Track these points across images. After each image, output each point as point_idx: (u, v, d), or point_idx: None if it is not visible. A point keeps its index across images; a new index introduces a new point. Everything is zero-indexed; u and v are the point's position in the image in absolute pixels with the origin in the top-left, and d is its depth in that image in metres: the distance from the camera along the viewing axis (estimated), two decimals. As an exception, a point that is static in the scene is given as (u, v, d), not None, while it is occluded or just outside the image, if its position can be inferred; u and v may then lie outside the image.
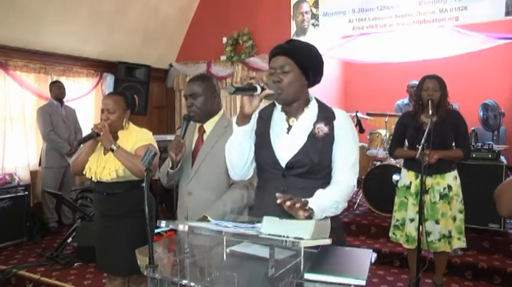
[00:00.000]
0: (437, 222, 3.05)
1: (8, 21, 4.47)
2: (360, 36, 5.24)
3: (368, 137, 5.31)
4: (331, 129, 1.60)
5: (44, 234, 4.67)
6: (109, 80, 5.77)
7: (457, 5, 4.59)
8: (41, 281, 3.54)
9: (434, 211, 3.05)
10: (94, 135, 2.32)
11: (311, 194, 1.48)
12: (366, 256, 1.34)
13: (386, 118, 5.10)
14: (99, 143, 2.41)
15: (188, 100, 2.18)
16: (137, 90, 5.84)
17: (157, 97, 6.65)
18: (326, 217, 1.47)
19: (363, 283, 1.15)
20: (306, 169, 1.58)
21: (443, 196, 3.05)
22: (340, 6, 5.24)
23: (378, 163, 4.99)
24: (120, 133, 2.46)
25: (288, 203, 1.35)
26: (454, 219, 3.07)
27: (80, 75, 5.51)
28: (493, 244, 3.86)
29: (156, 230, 2.67)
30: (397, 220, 3.23)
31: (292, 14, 5.57)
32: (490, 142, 4.28)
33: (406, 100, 5.46)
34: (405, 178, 3.20)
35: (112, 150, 2.32)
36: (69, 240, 3.95)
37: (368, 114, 5.44)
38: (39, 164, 4.91)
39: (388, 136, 4.97)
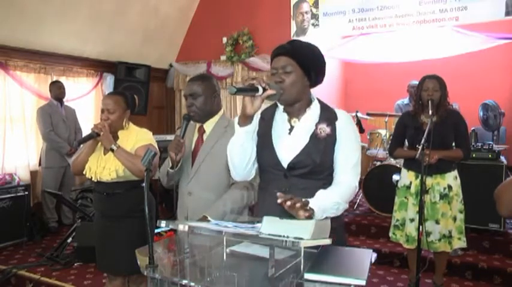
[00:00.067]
0: (437, 222, 3.05)
1: (8, 21, 4.47)
2: (360, 36, 5.24)
3: (368, 137, 5.31)
4: (333, 130, 1.60)
5: (44, 234, 4.67)
6: (109, 80, 5.78)
7: (457, 5, 4.59)
8: (41, 281, 3.54)
9: (435, 211, 3.05)
10: (94, 135, 2.32)
11: (313, 195, 1.48)
12: (366, 256, 1.34)
13: (386, 118, 5.10)
14: (99, 143, 2.41)
15: (188, 100, 2.18)
16: (137, 90, 5.85)
17: (157, 97, 6.65)
18: (326, 217, 1.47)
19: (363, 283, 1.15)
20: (308, 170, 1.58)
21: (443, 196, 3.05)
22: (340, 6, 5.24)
23: (378, 163, 4.99)
24: (120, 133, 2.46)
25: (289, 203, 1.35)
26: (454, 219, 3.07)
27: (80, 75, 5.51)
28: (493, 244, 3.86)
29: (156, 230, 2.67)
30: (397, 220, 3.23)
31: (292, 14, 5.57)
32: (490, 142, 4.28)
33: (406, 100, 5.46)
34: (405, 178, 3.20)
35: (112, 150, 2.32)
36: (69, 240, 3.95)
37: (368, 114, 5.44)
38: (39, 164, 4.91)
39: (388, 136, 4.97)
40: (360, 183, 1.66)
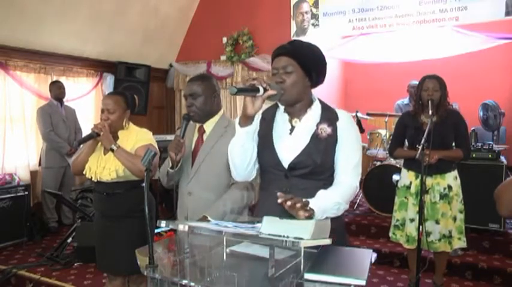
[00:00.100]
0: (437, 222, 3.05)
1: (8, 21, 4.47)
2: (360, 36, 5.24)
3: (368, 137, 5.31)
4: (334, 130, 1.60)
5: (44, 234, 4.67)
6: (109, 80, 5.78)
7: (457, 5, 4.59)
8: (41, 281, 3.54)
9: (435, 211, 3.05)
10: (94, 135, 2.32)
11: (313, 195, 1.48)
12: (366, 256, 1.34)
13: (387, 118, 5.10)
14: (99, 143, 2.41)
15: (188, 100, 2.18)
16: (137, 90, 5.85)
17: (157, 97, 6.65)
18: (326, 217, 1.47)
19: (363, 283, 1.15)
20: (309, 170, 1.58)
21: (443, 196, 3.05)
22: (340, 6, 5.24)
23: (378, 163, 4.99)
24: (120, 133, 2.46)
25: (289, 203, 1.35)
26: (454, 219, 3.07)
27: (80, 75, 5.51)
28: (493, 244, 3.86)
29: (156, 230, 2.67)
30: (397, 220, 3.23)
31: (292, 14, 5.57)
32: (490, 142, 4.28)
33: (406, 100, 5.46)
34: (405, 178, 3.20)
35: (112, 150, 2.32)
36: (69, 240, 3.95)
37: (368, 114, 5.44)
38: (39, 164, 4.91)
39: (388, 136, 4.97)
40: (360, 183, 1.66)
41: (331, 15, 5.32)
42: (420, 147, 2.77)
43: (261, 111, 1.58)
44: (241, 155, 1.59)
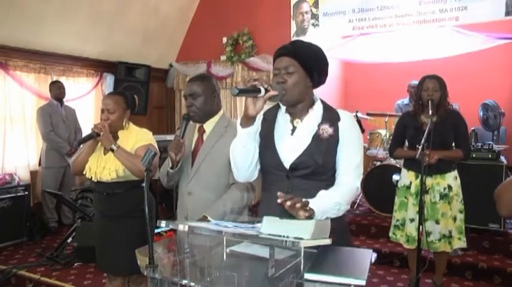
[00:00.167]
0: (437, 222, 3.05)
1: (8, 21, 4.47)
2: (360, 36, 5.24)
3: (368, 137, 5.31)
4: (336, 130, 1.59)
5: (44, 234, 4.67)
6: (109, 80, 5.78)
7: (457, 5, 4.59)
8: (41, 281, 3.54)
9: (435, 211, 3.05)
10: (94, 135, 2.32)
11: (315, 196, 1.48)
12: (366, 256, 1.34)
13: (386, 118, 5.10)
14: (99, 143, 2.41)
15: (188, 100, 2.18)
16: (137, 90, 5.85)
17: (157, 97, 6.65)
18: (327, 218, 1.47)
19: (363, 283, 1.15)
20: (310, 171, 1.57)
21: (443, 196, 3.05)
22: (340, 6, 5.24)
23: (378, 163, 4.99)
24: (120, 133, 2.46)
25: (289, 203, 1.35)
26: (454, 219, 3.07)
27: (80, 75, 5.51)
28: (493, 244, 3.86)
29: (156, 230, 2.67)
30: (397, 220, 3.23)
31: (292, 14, 5.57)
32: (490, 142, 4.28)
33: (406, 100, 5.46)
34: (405, 178, 3.20)
35: (112, 150, 2.32)
36: (69, 240, 3.95)
37: (368, 114, 5.44)
38: (39, 164, 4.91)
39: (388, 136, 4.97)
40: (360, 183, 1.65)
41: (331, 15, 5.32)
42: (420, 147, 2.77)
43: (262, 112, 1.58)
44: (243, 155, 1.59)
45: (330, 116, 1.63)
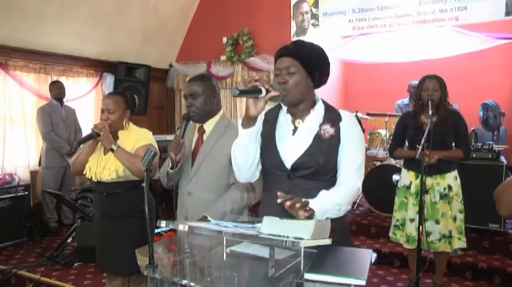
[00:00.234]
0: (437, 222, 3.05)
1: (8, 21, 4.47)
2: (360, 36, 5.24)
3: (368, 137, 5.31)
4: (337, 131, 1.59)
5: (44, 234, 4.67)
6: (109, 80, 5.78)
7: (457, 5, 4.59)
8: (41, 281, 3.54)
9: (435, 211, 3.05)
10: (94, 135, 2.32)
11: (316, 196, 1.48)
12: (366, 256, 1.34)
13: (386, 118, 5.11)
14: (99, 143, 2.41)
15: (188, 100, 2.18)
16: (137, 90, 5.85)
17: (157, 97, 6.65)
18: (327, 218, 1.47)
19: (363, 283, 1.15)
20: (312, 171, 1.57)
21: (443, 196, 3.05)
22: (340, 6, 5.24)
23: (378, 163, 4.99)
24: (120, 133, 2.46)
25: (288, 203, 1.35)
26: (454, 219, 3.07)
27: (80, 75, 5.51)
28: (493, 244, 3.86)
29: (156, 230, 2.68)
30: (397, 220, 3.23)
31: (292, 14, 5.57)
32: (490, 142, 4.28)
33: (406, 100, 5.46)
34: (405, 178, 3.20)
35: (112, 150, 2.32)
36: (69, 240, 3.95)
37: (368, 114, 5.44)
38: (39, 164, 4.91)
39: (388, 136, 4.98)
40: (360, 183, 1.65)
41: (331, 15, 5.32)
42: (420, 147, 2.77)
43: (264, 112, 1.58)
44: (244, 156, 1.59)
45: (331, 116, 1.62)
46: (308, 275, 1.20)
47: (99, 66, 5.70)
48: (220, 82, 5.82)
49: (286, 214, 1.38)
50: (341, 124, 1.61)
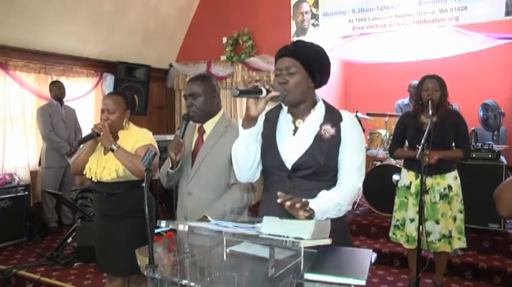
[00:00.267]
0: (437, 222, 3.05)
1: (8, 21, 4.47)
2: (360, 36, 5.24)
3: (368, 137, 5.32)
4: (338, 131, 1.59)
5: (44, 234, 4.67)
6: (109, 80, 5.78)
7: (457, 5, 4.59)
8: (41, 281, 3.54)
9: (435, 211, 3.05)
10: (94, 135, 2.32)
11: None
12: (366, 256, 1.34)
13: (386, 118, 5.11)
14: (99, 143, 2.41)
15: (188, 100, 2.18)
16: (137, 90, 5.85)
17: (157, 97, 6.65)
18: (327, 218, 1.47)
19: (363, 283, 1.15)
20: (312, 171, 1.57)
21: (443, 196, 3.05)
22: (340, 6, 5.24)
23: (378, 163, 4.99)
24: (120, 133, 2.46)
25: (288, 203, 1.35)
26: (454, 219, 3.07)
27: (80, 75, 5.51)
28: (493, 244, 3.86)
29: (156, 230, 2.67)
30: (397, 220, 3.23)
31: (292, 14, 5.57)
32: (490, 142, 4.28)
33: (406, 100, 5.46)
34: (405, 178, 3.20)
35: (112, 150, 2.32)
36: (69, 240, 3.95)
37: (368, 114, 5.44)
38: (39, 164, 4.91)
39: (388, 136, 4.98)
40: (360, 183, 1.65)
41: (331, 15, 5.32)
42: (420, 147, 2.77)
43: (264, 112, 1.58)
44: (245, 156, 1.59)
45: (332, 116, 1.62)
46: (308, 275, 1.20)
47: (99, 66, 5.70)
48: (220, 82, 5.82)
49: (286, 214, 1.38)
50: (342, 124, 1.60)
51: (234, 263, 1.39)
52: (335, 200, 1.50)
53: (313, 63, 1.59)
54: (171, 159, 2.06)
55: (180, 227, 1.40)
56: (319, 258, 1.30)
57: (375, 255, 1.38)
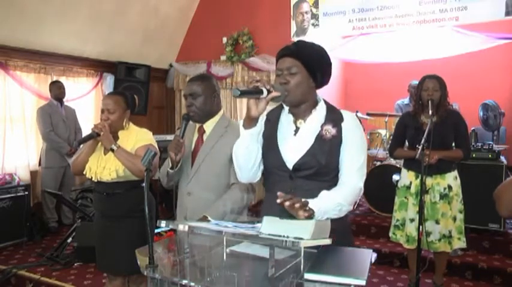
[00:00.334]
0: (437, 222, 3.05)
1: (8, 21, 4.47)
2: (360, 36, 5.24)
3: (368, 137, 5.32)
4: (339, 131, 1.59)
5: (44, 234, 4.67)
6: (109, 80, 5.78)
7: (457, 5, 4.59)
8: (41, 281, 3.54)
9: (435, 211, 3.05)
10: (94, 135, 2.32)
11: None
12: (366, 256, 1.34)
13: (386, 118, 5.11)
14: (99, 143, 2.41)
15: (188, 100, 2.18)
16: (137, 90, 5.85)
17: (157, 97, 6.65)
18: (327, 218, 1.47)
19: (363, 283, 1.15)
20: (313, 171, 1.57)
21: (443, 196, 3.05)
22: (340, 6, 5.24)
23: (378, 163, 4.99)
24: (120, 133, 2.46)
25: (288, 203, 1.35)
26: (454, 219, 3.07)
27: (80, 75, 5.51)
28: (493, 244, 3.86)
29: (156, 230, 2.67)
30: (397, 220, 3.23)
31: (292, 14, 5.57)
32: (490, 142, 4.28)
33: (406, 100, 5.46)
34: (405, 178, 3.20)
35: (112, 150, 2.32)
36: (69, 240, 3.95)
37: (368, 114, 5.44)
38: (39, 164, 4.91)
39: (388, 136, 4.98)
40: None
41: (331, 15, 5.32)
42: (420, 147, 2.77)
43: (265, 113, 1.58)
44: (246, 156, 1.59)
45: (333, 116, 1.62)
46: (308, 275, 1.20)
47: (99, 66, 5.70)
48: (220, 82, 5.82)
49: (287, 214, 1.38)
50: (343, 124, 1.60)
51: (234, 263, 1.39)
52: (336, 200, 1.50)
53: (314, 63, 1.59)
54: (171, 159, 2.06)
55: (180, 227, 1.40)
56: (319, 258, 1.30)
57: (375, 255, 1.38)
